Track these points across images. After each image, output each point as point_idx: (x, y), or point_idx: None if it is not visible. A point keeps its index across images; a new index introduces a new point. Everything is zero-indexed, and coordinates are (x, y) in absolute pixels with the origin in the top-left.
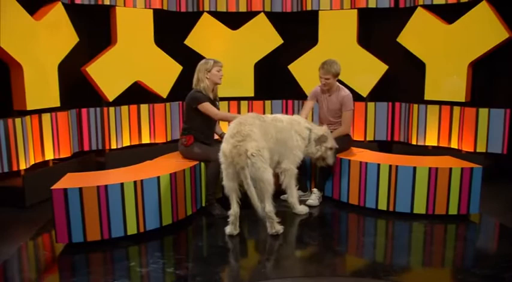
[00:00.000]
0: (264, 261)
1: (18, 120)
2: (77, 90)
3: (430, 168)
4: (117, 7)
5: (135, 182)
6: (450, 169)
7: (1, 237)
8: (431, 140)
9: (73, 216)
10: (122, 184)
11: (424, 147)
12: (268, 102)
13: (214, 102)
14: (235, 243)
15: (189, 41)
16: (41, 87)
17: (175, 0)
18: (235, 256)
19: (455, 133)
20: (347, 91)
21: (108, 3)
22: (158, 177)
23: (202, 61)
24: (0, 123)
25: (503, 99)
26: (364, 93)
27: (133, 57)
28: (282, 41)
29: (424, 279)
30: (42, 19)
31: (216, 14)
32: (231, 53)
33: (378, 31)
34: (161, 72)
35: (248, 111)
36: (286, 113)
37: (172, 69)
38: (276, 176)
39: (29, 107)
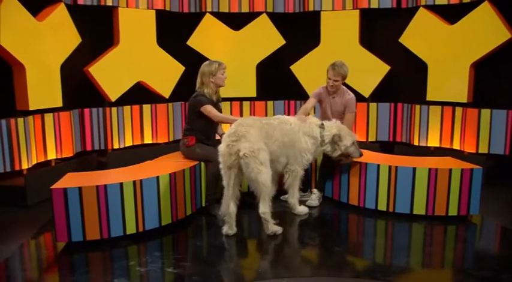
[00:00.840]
0: (261, 261)
1: (20, 120)
2: (79, 90)
3: (429, 169)
4: (119, 8)
5: (134, 182)
6: (450, 170)
7: (3, 235)
8: (433, 141)
9: (72, 216)
10: (121, 184)
11: (426, 148)
12: (270, 103)
13: (216, 104)
14: (234, 243)
15: (191, 42)
16: (43, 88)
17: (177, 0)
18: (233, 256)
19: (458, 134)
20: (351, 94)
21: (110, 4)
22: (157, 177)
23: (206, 63)
24: (2, 123)
25: (506, 100)
26: (366, 94)
27: (135, 58)
28: (284, 42)
29: (421, 280)
30: (45, 20)
31: (218, 15)
32: (233, 54)
33: (380, 32)
34: (163, 73)
35: (250, 112)
36: (289, 113)
37: (175, 69)
38: (279, 177)
39: (32, 107)
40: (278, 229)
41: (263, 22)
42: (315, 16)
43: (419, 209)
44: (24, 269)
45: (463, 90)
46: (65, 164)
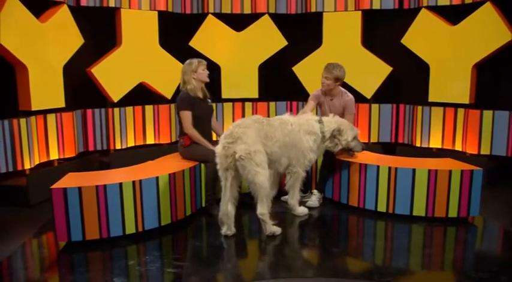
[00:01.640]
0: (260, 262)
1: (23, 121)
2: (82, 91)
3: (429, 171)
4: (122, 9)
5: (133, 182)
6: (450, 171)
7: (4, 234)
8: (435, 142)
9: (72, 215)
10: (120, 184)
11: (428, 149)
12: (272, 104)
13: (204, 100)
14: (233, 243)
15: (193, 43)
16: (46, 88)
17: (180, 2)
18: (232, 256)
19: (460, 135)
20: (350, 95)
21: (113, 5)
22: (157, 178)
23: (186, 62)
24: (5, 123)
25: (508, 101)
26: (368, 95)
27: (138, 59)
28: (286, 43)
29: (418, 281)
30: (47, 21)
31: (220, 16)
32: (235, 55)
33: (382, 32)
34: (166, 74)
35: (252, 113)
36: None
37: (177, 70)
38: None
39: (34, 108)
40: (277, 230)
41: (265, 23)
42: (317, 17)
43: (419, 210)
44: (24, 267)
45: (465, 92)
46: (67, 164)
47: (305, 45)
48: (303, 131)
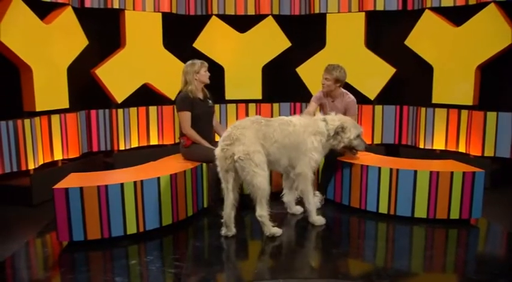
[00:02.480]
0: (260, 263)
1: (27, 121)
2: (86, 92)
3: (431, 172)
4: (126, 11)
5: (135, 183)
6: (451, 173)
7: (8, 234)
8: (439, 144)
9: (74, 215)
10: (121, 184)
11: (432, 151)
12: (276, 105)
13: (205, 100)
14: (234, 244)
15: (197, 44)
16: (50, 89)
17: (184, 3)
18: (232, 257)
19: (463, 137)
20: (352, 97)
21: (117, 6)
22: (158, 178)
23: (188, 63)
24: (10, 124)
25: None
26: (372, 96)
27: (142, 60)
28: (289, 44)
29: None
30: (52, 23)
31: (224, 17)
32: (239, 56)
33: (385, 34)
34: (169, 75)
35: (256, 114)
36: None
37: (181, 71)
38: (276, 176)
39: (38, 108)
40: (277, 231)
41: (269, 24)
42: (321, 18)
43: (421, 212)
44: (26, 266)
45: (468, 93)
46: (71, 165)
47: (309, 47)
48: (308, 132)
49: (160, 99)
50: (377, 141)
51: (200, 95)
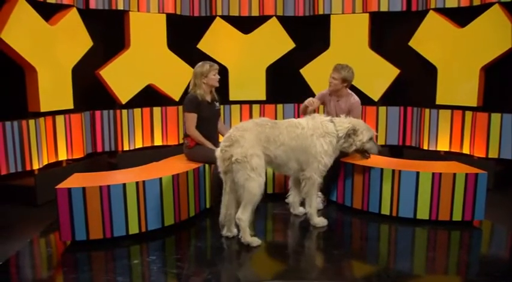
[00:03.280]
0: (260, 263)
1: (32, 122)
2: (90, 93)
3: (433, 174)
4: (130, 12)
5: (137, 183)
6: (454, 175)
7: (12, 233)
8: (443, 145)
9: (76, 215)
10: (124, 185)
11: (436, 152)
12: (280, 106)
13: (212, 103)
14: (236, 245)
15: (201, 45)
16: (55, 90)
17: (188, 4)
18: (233, 258)
19: (467, 138)
20: (356, 98)
21: (121, 8)
22: (160, 179)
23: (198, 64)
24: (14, 124)
25: None
26: (376, 98)
27: (146, 61)
28: (294, 45)
29: None
30: (57, 24)
31: (228, 18)
32: (243, 57)
33: (389, 35)
34: (174, 76)
35: (260, 115)
36: (298, 116)
37: (185, 72)
38: (279, 178)
39: (43, 109)
40: (253, 241)
41: (273, 25)
42: (325, 19)
43: (423, 213)
44: (29, 266)
45: (473, 94)
46: (76, 165)
47: (313, 48)
48: (316, 134)
49: (164, 100)
50: (381, 142)
51: (208, 98)
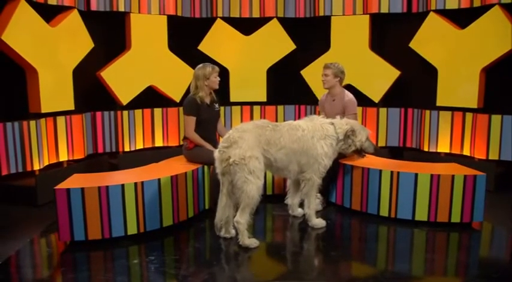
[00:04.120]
0: (258, 264)
1: (33, 123)
2: (91, 94)
3: (432, 175)
4: (131, 13)
5: (135, 184)
6: (453, 176)
7: (13, 233)
8: (443, 147)
9: (75, 216)
10: (122, 185)
11: (437, 154)
12: (280, 107)
13: (211, 105)
14: (233, 245)
15: (202, 47)
16: (56, 91)
17: (189, 6)
18: (232, 258)
19: (468, 140)
20: (350, 95)
21: (122, 9)
22: (159, 179)
23: (199, 66)
24: (15, 125)
25: None
26: (376, 99)
27: (147, 62)
28: (294, 47)
29: None
30: (58, 25)
31: (229, 20)
32: (244, 58)
33: (390, 36)
34: (174, 77)
35: (260, 117)
36: (299, 118)
37: (186, 74)
38: (278, 179)
39: (44, 110)
40: (251, 243)
41: (274, 27)
42: (325, 21)
43: (422, 215)
44: (28, 265)
45: (473, 96)
46: (76, 166)
47: (313, 49)
48: (317, 137)
49: (165, 101)
50: (381, 144)
51: (207, 100)
